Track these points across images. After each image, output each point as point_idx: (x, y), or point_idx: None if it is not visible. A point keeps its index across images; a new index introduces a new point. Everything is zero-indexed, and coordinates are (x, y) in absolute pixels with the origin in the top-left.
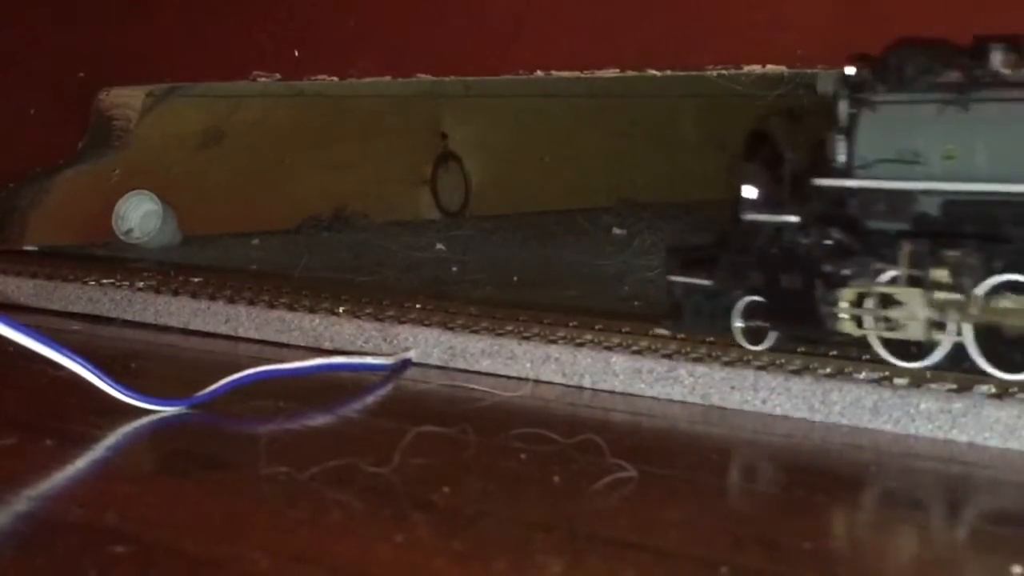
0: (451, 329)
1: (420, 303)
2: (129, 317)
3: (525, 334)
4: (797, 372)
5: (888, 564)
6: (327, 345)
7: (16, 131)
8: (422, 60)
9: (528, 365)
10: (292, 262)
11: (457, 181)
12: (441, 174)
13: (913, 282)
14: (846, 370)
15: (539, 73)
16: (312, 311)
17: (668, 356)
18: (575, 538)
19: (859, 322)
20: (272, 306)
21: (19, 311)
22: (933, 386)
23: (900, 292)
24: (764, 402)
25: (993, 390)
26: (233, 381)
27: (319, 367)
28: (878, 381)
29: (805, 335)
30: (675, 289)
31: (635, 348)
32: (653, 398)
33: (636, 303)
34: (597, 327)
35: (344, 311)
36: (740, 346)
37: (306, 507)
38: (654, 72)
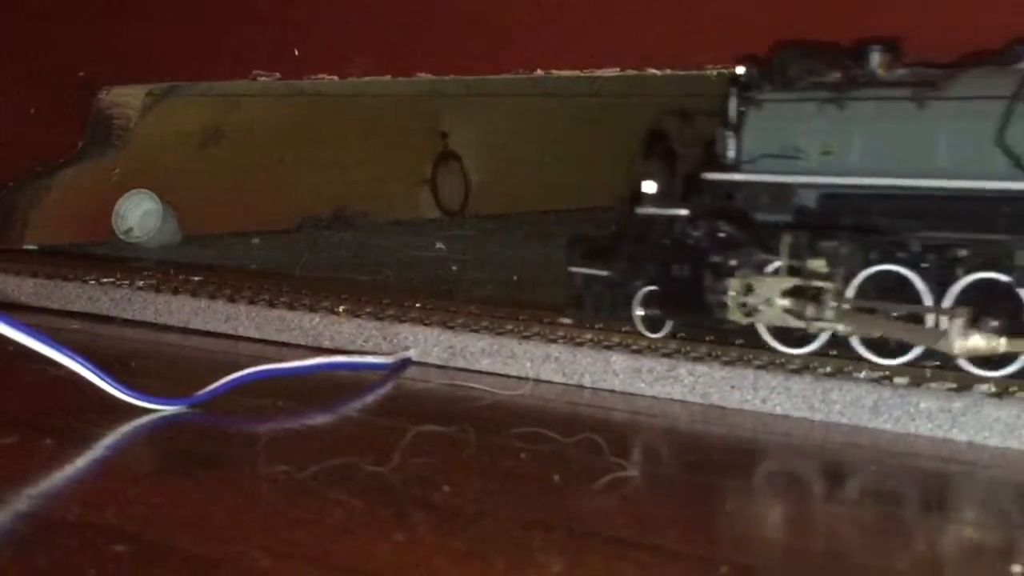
0: (451, 328)
1: (420, 302)
2: (129, 316)
3: (525, 333)
4: (797, 371)
5: (888, 564)
6: (327, 344)
7: (16, 130)
8: (422, 59)
9: (528, 364)
10: (292, 261)
11: (457, 180)
12: (441, 173)
13: (792, 272)
14: (846, 369)
15: (539, 73)
16: (312, 310)
17: (668, 355)
18: (575, 537)
19: (747, 310)
20: (272, 305)
21: (19, 310)
22: (933, 385)
23: (759, 283)
24: (764, 401)
25: (993, 389)
26: (233, 380)
27: (319, 366)
28: (878, 380)
29: (695, 323)
30: (576, 279)
31: (635, 347)
32: (653, 397)
33: None
34: (597, 326)
35: (344, 310)
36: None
37: (306, 506)
38: (654, 72)
